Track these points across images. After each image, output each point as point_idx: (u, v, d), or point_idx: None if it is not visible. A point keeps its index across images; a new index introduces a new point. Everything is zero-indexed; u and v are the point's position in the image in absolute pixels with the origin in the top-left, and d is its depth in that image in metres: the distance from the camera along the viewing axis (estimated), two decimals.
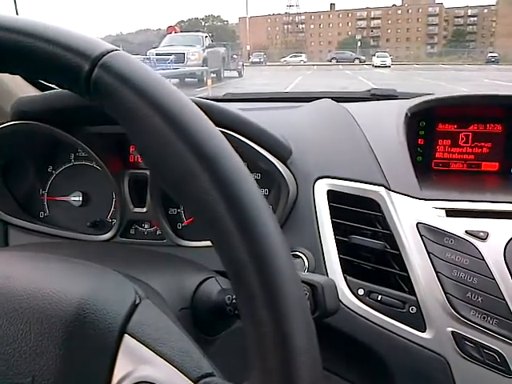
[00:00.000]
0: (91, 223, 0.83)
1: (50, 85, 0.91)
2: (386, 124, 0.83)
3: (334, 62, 44.57)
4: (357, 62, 44.14)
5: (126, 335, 0.36)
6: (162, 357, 0.35)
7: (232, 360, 0.51)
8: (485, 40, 71.11)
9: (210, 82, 11.57)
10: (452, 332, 0.60)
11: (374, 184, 0.71)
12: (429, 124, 0.91)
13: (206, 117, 0.35)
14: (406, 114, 0.84)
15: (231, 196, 0.32)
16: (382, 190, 0.70)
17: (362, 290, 0.65)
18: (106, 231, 0.82)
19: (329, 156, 0.78)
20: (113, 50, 0.33)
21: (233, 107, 0.74)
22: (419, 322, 0.62)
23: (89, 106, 0.36)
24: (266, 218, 0.33)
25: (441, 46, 73.22)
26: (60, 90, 0.72)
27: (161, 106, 0.32)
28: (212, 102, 0.72)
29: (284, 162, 0.75)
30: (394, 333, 0.62)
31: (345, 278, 0.66)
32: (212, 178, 0.32)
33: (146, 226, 0.83)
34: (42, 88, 0.90)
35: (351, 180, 0.72)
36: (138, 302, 0.39)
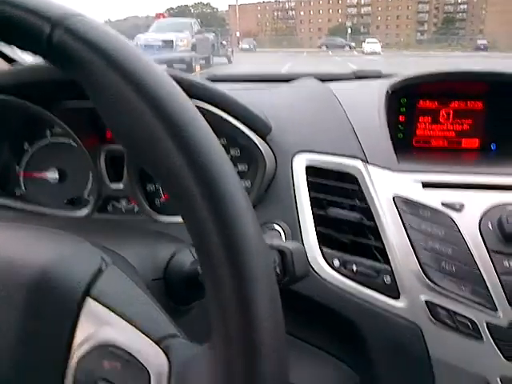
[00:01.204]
0: (68, 200, 0.82)
1: (17, 57, 0.90)
2: (367, 101, 0.83)
3: (324, 48, 44.43)
4: (347, 48, 44.04)
5: (88, 298, 0.35)
6: (124, 319, 0.35)
7: (207, 329, 0.51)
8: (474, 27, 71.21)
9: (198, 67, 11.47)
10: (426, 300, 0.61)
11: (352, 157, 0.71)
12: (410, 101, 0.91)
13: (174, 83, 0.34)
14: (387, 92, 0.83)
15: (194, 157, 0.31)
16: (359, 163, 0.70)
17: (337, 261, 0.65)
18: (83, 207, 0.81)
19: (308, 132, 0.78)
20: (77, 14, 0.32)
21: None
22: (393, 291, 0.62)
23: (64, 80, 0.35)
24: (230, 179, 0.32)
25: (431, 33, 73.24)
26: (34, 64, 0.71)
27: (125, 69, 0.31)
28: (186, 74, 0.71)
29: (263, 138, 0.75)
30: (368, 302, 0.63)
31: (321, 250, 0.67)
32: (175, 140, 0.31)
33: (124, 203, 0.82)
34: (9, 60, 0.88)
35: (329, 154, 0.72)
36: (103, 267, 0.39)
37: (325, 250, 0.67)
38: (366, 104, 0.82)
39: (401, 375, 0.63)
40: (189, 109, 0.32)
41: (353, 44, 45.30)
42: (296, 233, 0.68)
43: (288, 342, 0.63)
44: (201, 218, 0.31)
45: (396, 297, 0.62)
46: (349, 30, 62.58)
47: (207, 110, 0.69)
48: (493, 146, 0.90)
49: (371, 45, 36.20)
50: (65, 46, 0.31)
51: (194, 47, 13.68)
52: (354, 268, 0.65)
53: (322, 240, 0.68)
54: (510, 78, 0.83)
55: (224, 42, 19.87)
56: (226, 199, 0.31)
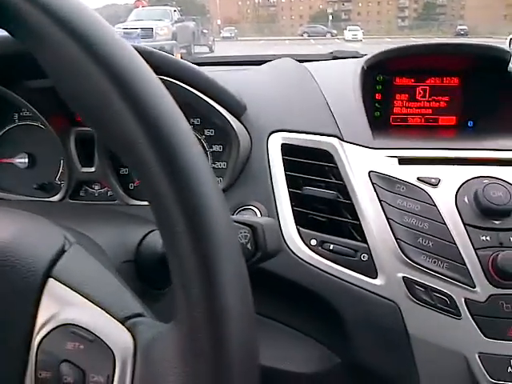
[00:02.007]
0: (38, 185, 0.80)
1: None
2: (343, 79, 0.82)
3: (305, 36, 44.30)
4: (328, 36, 43.95)
5: (50, 279, 0.34)
6: (87, 298, 0.34)
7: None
8: (455, 13, 71.52)
9: (179, 56, 11.34)
10: (403, 277, 0.60)
11: (327, 135, 0.70)
12: (386, 78, 0.90)
13: (125, 42, 0.32)
14: (363, 68, 0.82)
15: (148, 118, 0.29)
16: (335, 140, 0.69)
17: (314, 241, 0.65)
18: (55, 193, 0.79)
19: (283, 111, 0.76)
20: None
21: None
22: (370, 269, 0.62)
23: (23, 55, 0.33)
24: (190, 146, 0.31)
25: (411, 19, 73.38)
26: None
27: (75, 28, 0.30)
28: (158, 50, 0.69)
29: (238, 118, 0.74)
30: (346, 281, 0.62)
31: (297, 230, 0.66)
32: (126, 99, 0.29)
33: (97, 187, 0.80)
34: None
35: (305, 132, 0.71)
36: (66, 247, 0.38)
37: (301, 229, 0.66)
38: (342, 82, 0.81)
39: (380, 354, 0.62)
40: (143, 68, 0.31)
41: (334, 31, 45.20)
42: (272, 213, 0.67)
43: (266, 324, 0.63)
44: (159, 188, 0.29)
45: (373, 275, 0.62)
46: (330, 17, 62.39)
47: (181, 88, 0.68)
48: (470, 123, 0.90)
49: (353, 32, 36.20)
50: (14, 8, 0.29)
51: (174, 36, 13.55)
52: (331, 247, 0.64)
53: (299, 219, 0.67)
54: (486, 50, 0.82)
55: (205, 31, 19.70)
56: (187, 168, 0.30)
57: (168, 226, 0.30)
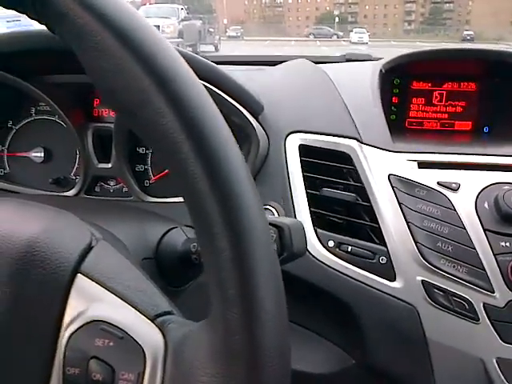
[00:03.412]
0: (54, 180, 0.80)
1: None
2: (360, 81, 0.82)
3: (311, 37, 44.26)
4: (334, 38, 43.90)
5: (79, 275, 0.34)
6: (116, 295, 0.34)
7: (201, 311, 0.50)
8: (461, 18, 71.40)
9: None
10: (422, 281, 0.60)
11: (346, 137, 0.70)
12: (403, 82, 0.90)
13: (163, 37, 0.32)
14: (381, 71, 0.82)
15: (189, 119, 0.29)
16: (354, 142, 0.69)
17: (332, 242, 0.64)
18: (70, 188, 0.79)
19: (301, 112, 0.76)
20: None
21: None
22: (389, 272, 0.62)
23: (46, 49, 0.33)
24: (229, 146, 0.31)
25: (418, 23, 73.29)
26: (10, 32, 0.67)
27: (113, 22, 0.30)
28: (181, 48, 0.69)
29: (256, 118, 0.74)
30: (363, 283, 0.62)
31: (315, 231, 0.66)
32: (168, 100, 0.29)
33: (112, 183, 0.80)
34: None
35: (323, 134, 0.71)
36: (93, 243, 0.38)
37: (319, 230, 0.66)
38: (360, 84, 0.81)
39: (396, 356, 0.62)
40: (182, 66, 0.31)
41: (340, 33, 45.15)
42: (290, 213, 0.67)
43: None
44: (198, 188, 0.29)
45: (392, 278, 0.62)
46: (336, 19, 62.34)
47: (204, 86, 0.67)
48: (485, 129, 0.90)
49: (359, 34, 36.13)
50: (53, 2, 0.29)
51: (180, 34, 13.54)
52: (349, 249, 0.64)
53: (316, 221, 0.66)
54: (503, 57, 0.82)
55: (211, 29, 19.68)
56: (226, 167, 0.30)
57: (205, 225, 0.29)
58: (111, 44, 0.29)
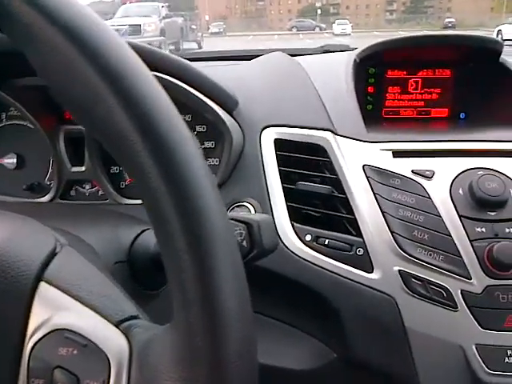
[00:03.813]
0: (27, 186, 0.78)
1: None
2: (335, 72, 0.82)
3: (294, 30, 44.21)
4: (317, 30, 43.89)
5: (42, 282, 0.33)
6: (80, 301, 0.33)
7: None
8: (442, 6, 71.71)
9: (167, 52, 11.31)
10: (399, 271, 0.60)
11: (321, 129, 0.69)
12: (378, 71, 0.90)
13: (115, 33, 0.31)
14: (355, 61, 0.82)
15: (141, 116, 0.29)
16: (328, 134, 0.68)
17: (309, 236, 0.64)
18: (45, 194, 0.77)
19: (275, 105, 0.76)
20: None
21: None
22: (366, 264, 0.61)
23: (10, 52, 0.32)
24: (186, 143, 0.30)
25: (400, 12, 73.53)
26: None
27: (61, 19, 0.29)
28: (149, 46, 0.68)
29: (230, 113, 0.73)
30: (341, 276, 0.62)
31: (292, 225, 0.65)
32: (119, 97, 0.28)
33: (87, 187, 0.79)
34: None
35: (298, 127, 0.71)
36: (58, 249, 0.37)
37: (296, 225, 0.65)
38: (335, 75, 0.81)
39: (377, 348, 0.62)
40: (134, 61, 0.30)
41: (323, 25, 45.12)
42: (266, 209, 0.67)
43: (261, 321, 0.62)
44: (155, 188, 0.28)
45: (369, 269, 0.61)
46: (318, 11, 62.34)
47: (172, 84, 0.67)
48: (462, 115, 0.90)
49: (342, 26, 36.16)
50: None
51: (162, 32, 13.45)
52: (326, 242, 0.63)
53: (293, 215, 0.66)
54: (478, 42, 0.82)
55: (193, 26, 19.57)
56: (183, 164, 0.29)
57: (162, 225, 0.29)
58: (60, 42, 0.28)
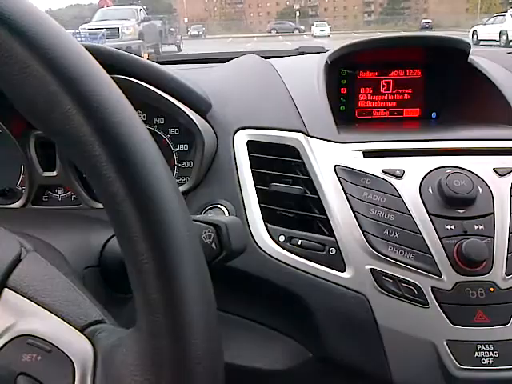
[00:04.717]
0: None
1: None
2: (307, 74, 0.82)
3: (273, 32, 44.37)
4: (296, 32, 44.13)
5: (6, 289, 0.33)
6: (44, 307, 0.33)
7: None
8: (419, 7, 72.66)
9: (146, 56, 11.26)
10: (371, 269, 0.60)
11: (293, 131, 0.70)
12: (350, 72, 0.91)
13: (71, 38, 0.31)
14: (326, 62, 0.83)
15: (98, 120, 0.29)
16: (300, 136, 0.69)
17: (282, 237, 0.64)
18: (17, 200, 0.76)
19: (248, 108, 0.76)
20: None
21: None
22: (339, 263, 0.62)
23: None
24: (144, 146, 0.30)
25: (377, 14, 74.39)
26: None
27: (15, 24, 0.28)
28: (121, 51, 0.67)
29: (203, 116, 0.73)
30: (315, 275, 0.62)
31: (266, 226, 0.65)
32: (75, 101, 0.28)
33: (60, 192, 0.78)
34: None
35: (270, 129, 0.71)
36: (23, 255, 0.37)
37: (270, 225, 0.65)
38: (307, 77, 0.82)
39: (351, 345, 0.63)
40: (90, 65, 0.30)
41: (302, 27, 45.40)
42: (240, 210, 0.67)
43: (236, 322, 0.62)
44: (113, 193, 0.29)
45: (342, 268, 0.62)
46: (297, 14, 62.70)
47: (144, 88, 0.67)
48: (433, 114, 0.91)
49: (320, 28, 36.46)
50: None
51: (141, 35, 13.41)
52: (300, 242, 0.63)
53: (267, 216, 0.66)
54: (446, 42, 0.83)
55: (172, 29, 19.55)
56: (141, 167, 0.29)
57: (123, 229, 0.29)
58: (17, 48, 0.28)
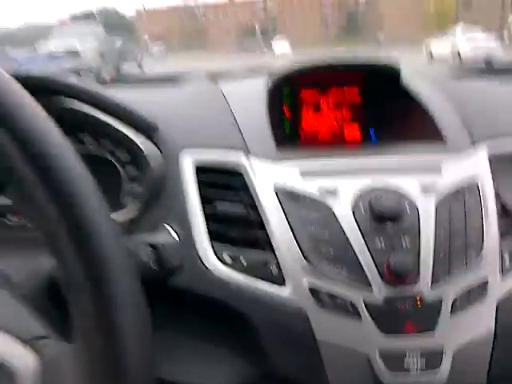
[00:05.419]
0: None
1: None
2: (251, 96, 0.86)
3: (235, 53, 44.71)
4: (257, 50, 44.63)
5: None
6: None
7: None
8: (375, 24, 74.71)
9: (108, 78, 11.16)
10: (308, 284, 0.63)
11: (234, 149, 0.73)
12: (292, 92, 0.96)
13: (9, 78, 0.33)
14: (268, 84, 0.87)
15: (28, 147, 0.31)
16: (240, 154, 0.72)
17: (227, 256, 0.67)
18: None
19: (193, 129, 0.79)
20: None
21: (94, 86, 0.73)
22: (279, 279, 0.65)
23: None
24: (73, 169, 0.32)
25: (336, 28, 76.10)
26: None
27: None
28: (65, 78, 0.69)
29: (150, 139, 0.76)
30: (258, 292, 0.65)
31: (212, 246, 0.68)
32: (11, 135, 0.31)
33: (15, 218, 0.79)
34: None
35: (213, 148, 0.74)
36: None
37: (215, 245, 0.68)
38: (251, 98, 0.85)
39: (292, 361, 0.65)
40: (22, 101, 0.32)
41: (265, 50, 46.01)
42: (187, 231, 0.69)
43: (183, 340, 0.64)
44: (46, 216, 0.31)
45: (282, 284, 0.65)
46: (258, 32, 63.40)
47: (87, 113, 0.69)
48: (372, 135, 0.96)
49: (280, 44, 37.04)
50: None
51: (101, 54, 13.28)
52: (243, 260, 0.66)
53: (213, 236, 0.69)
54: (378, 66, 0.89)
55: (133, 47, 19.45)
56: (71, 192, 0.31)
57: (57, 251, 0.31)
58: None
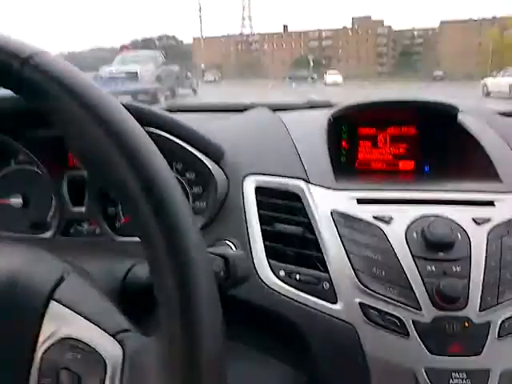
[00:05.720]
0: (32, 223, 0.87)
1: None
2: (311, 128, 0.92)
3: (287, 80, 45.40)
4: (310, 80, 45.14)
5: (52, 301, 0.41)
6: (83, 317, 0.41)
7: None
8: (431, 60, 74.32)
9: (163, 99, 11.59)
10: (359, 302, 0.67)
11: (295, 178, 0.79)
12: (351, 128, 1.01)
13: (124, 111, 0.39)
14: (329, 119, 0.92)
15: (140, 169, 0.36)
16: (301, 182, 0.78)
17: (283, 272, 0.72)
18: (46, 230, 0.85)
19: (257, 156, 0.85)
20: (43, 52, 0.37)
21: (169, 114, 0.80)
22: (331, 296, 0.69)
23: (28, 109, 0.40)
24: (173, 190, 0.38)
25: (390, 65, 76.22)
26: None
27: (82, 98, 0.37)
28: (145, 105, 0.77)
29: (217, 162, 0.82)
30: (310, 306, 0.69)
31: (268, 262, 0.73)
32: (123, 155, 0.37)
33: (86, 225, 0.87)
34: None
35: (275, 175, 0.80)
36: (65, 275, 0.45)
37: (272, 261, 0.73)
38: (311, 130, 0.91)
39: (341, 372, 0.69)
40: (138, 133, 0.38)
41: (315, 76, 46.45)
42: (245, 246, 0.75)
43: (239, 348, 0.69)
44: (149, 231, 0.35)
45: (334, 300, 0.69)
46: (311, 63, 64.32)
47: (164, 137, 0.76)
48: (426, 168, 1.00)
49: (332, 76, 37.37)
50: (33, 81, 0.36)
51: (158, 78, 13.77)
52: (298, 277, 0.71)
53: (270, 253, 0.74)
54: (436, 106, 0.93)
55: (189, 74, 20.07)
56: (170, 213, 0.36)
57: (154, 258, 0.36)
58: (78, 113, 0.37)
